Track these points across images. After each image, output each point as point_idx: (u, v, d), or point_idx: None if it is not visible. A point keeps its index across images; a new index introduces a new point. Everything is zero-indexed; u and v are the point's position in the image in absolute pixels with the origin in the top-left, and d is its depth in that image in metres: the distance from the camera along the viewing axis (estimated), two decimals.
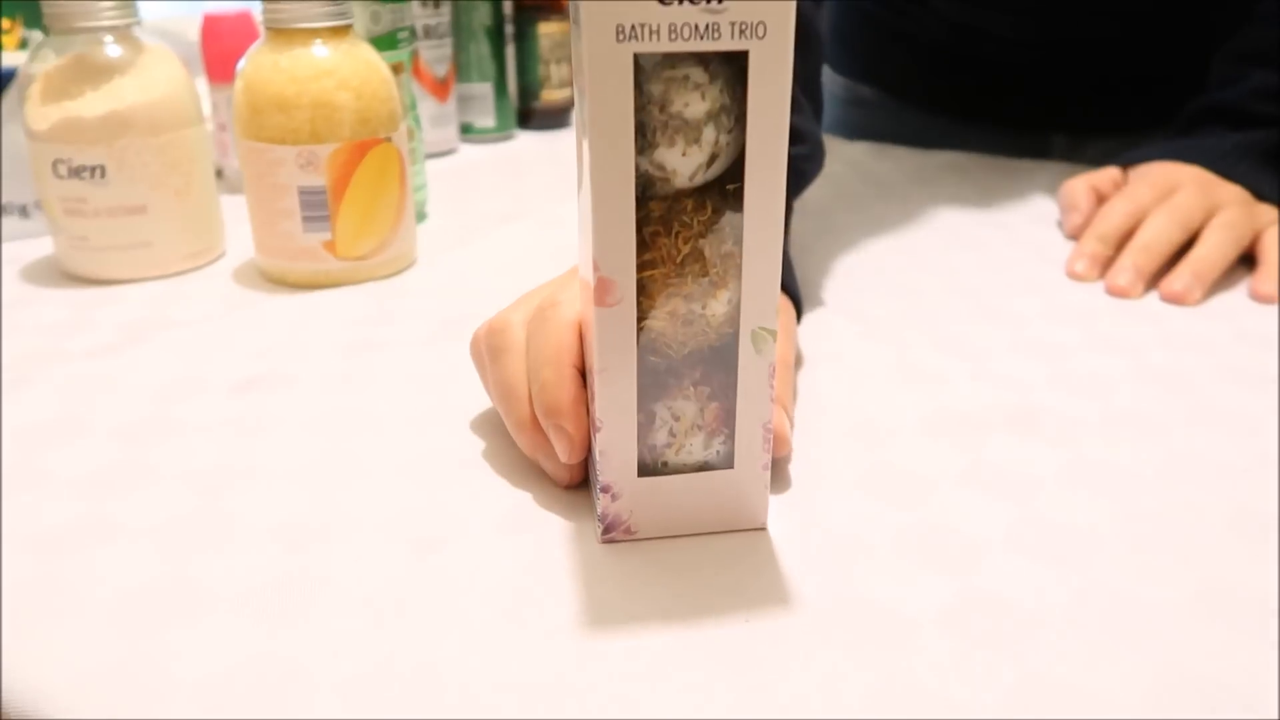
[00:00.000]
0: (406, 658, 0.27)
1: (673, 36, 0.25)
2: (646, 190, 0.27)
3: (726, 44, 0.25)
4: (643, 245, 0.28)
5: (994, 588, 0.29)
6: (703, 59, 0.26)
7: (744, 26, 0.25)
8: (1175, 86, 0.71)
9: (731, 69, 0.26)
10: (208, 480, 0.35)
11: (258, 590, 0.29)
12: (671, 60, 0.26)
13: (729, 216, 0.28)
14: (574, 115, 0.28)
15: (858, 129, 0.84)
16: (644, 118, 0.26)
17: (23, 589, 0.30)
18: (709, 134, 0.27)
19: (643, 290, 0.28)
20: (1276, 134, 0.56)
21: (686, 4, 0.25)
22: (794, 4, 0.26)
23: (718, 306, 0.29)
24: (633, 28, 0.25)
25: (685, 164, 0.27)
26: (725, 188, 0.27)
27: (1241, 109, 0.57)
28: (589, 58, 0.25)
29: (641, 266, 0.28)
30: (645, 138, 0.26)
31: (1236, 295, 0.51)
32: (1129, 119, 0.75)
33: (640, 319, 0.28)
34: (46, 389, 0.42)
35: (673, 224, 0.28)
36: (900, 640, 0.27)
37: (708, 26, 0.25)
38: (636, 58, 0.25)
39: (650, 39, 0.25)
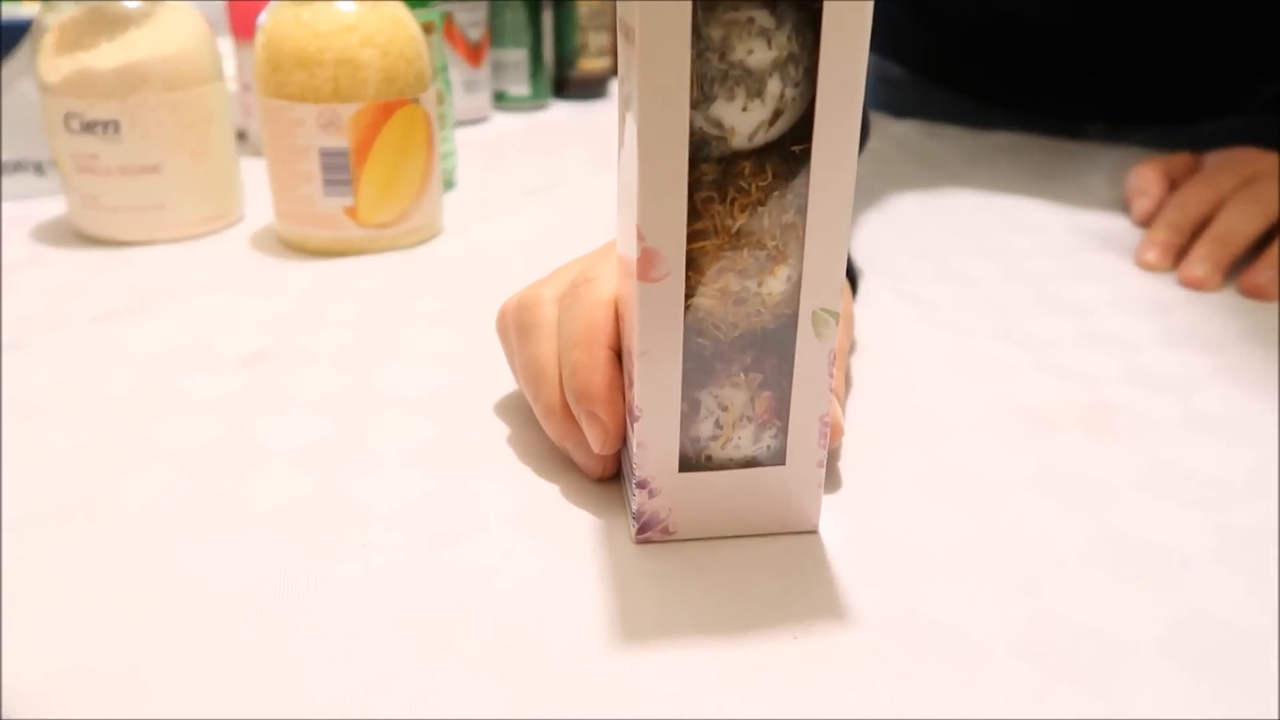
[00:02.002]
0: (412, 668, 0.24)
1: None
2: (699, 151, 0.24)
3: None
4: (693, 213, 0.24)
5: (1071, 610, 0.26)
6: (769, 1, 0.23)
7: None
8: (1218, 77, 0.67)
9: (802, 13, 0.23)
10: (206, 460, 0.32)
11: (252, 584, 0.27)
12: (735, 2, 0.23)
13: (792, 182, 0.24)
14: (619, 63, 0.24)
15: (886, 107, 0.81)
16: (701, 67, 0.23)
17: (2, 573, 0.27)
18: (773, 86, 0.23)
19: (691, 264, 0.25)
20: None
21: None
22: None
23: (775, 284, 0.25)
24: None
25: (745, 120, 0.24)
26: (789, 149, 0.24)
27: None
28: None
29: (691, 237, 0.25)
30: (701, 90, 0.23)
31: None
32: (1169, 109, 0.71)
33: (687, 296, 0.25)
34: (45, 355, 0.39)
35: (728, 189, 0.24)
36: (968, 668, 0.24)
37: None
38: None
39: None
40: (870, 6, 0.23)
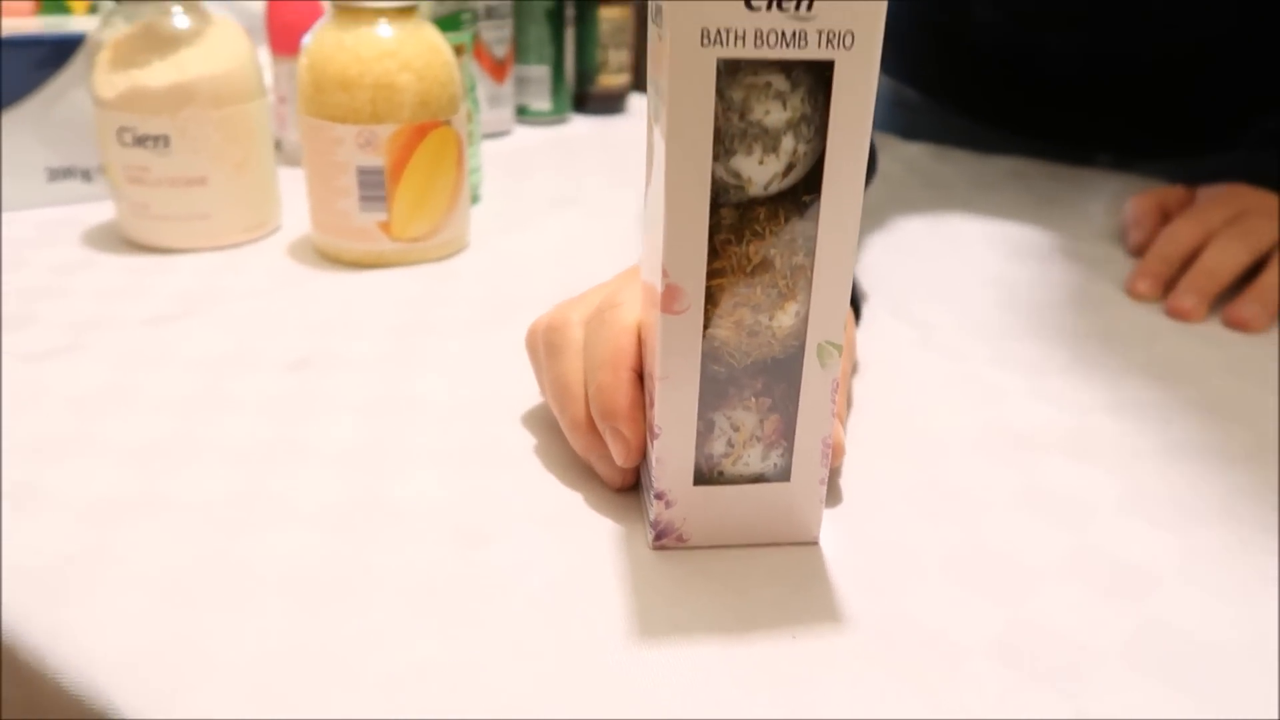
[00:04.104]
0: (449, 656, 0.27)
1: (758, 43, 0.25)
2: (719, 197, 0.27)
3: (813, 53, 0.25)
4: (713, 253, 0.27)
5: (1047, 619, 0.29)
6: (786, 66, 0.25)
7: (831, 35, 0.25)
8: (1228, 114, 0.69)
9: (814, 78, 0.26)
10: (258, 458, 0.35)
11: (300, 575, 0.30)
12: (754, 67, 0.25)
13: (802, 227, 0.27)
14: (648, 114, 0.27)
15: (901, 130, 0.83)
16: (723, 124, 0.26)
17: (74, 559, 0.30)
18: (788, 143, 0.26)
19: (710, 298, 0.28)
20: None
21: (774, 10, 0.24)
22: (883, 13, 0.25)
23: (785, 318, 0.28)
24: (718, 32, 0.24)
25: (761, 172, 0.26)
26: (801, 198, 0.27)
27: None
28: (672, 61, 0.25)
29: (710, 275, 0.27)
30: (723, 144, 0.26)
31: None
32: (1179, 144, 0.73)
33: (705, 327, 0.28)
34: (102, 355, 0.42)
35: (744, 232, 0.27)
36: (950, 669, 0.27)
37: (794, 34, 0.25)
38: (719, 63, 0.25)
39: (735, 44, 0.25)
40: (875, 74, 0.25)
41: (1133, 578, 0.31)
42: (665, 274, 0.27)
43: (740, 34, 0.25)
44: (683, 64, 0.25)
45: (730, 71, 0.25)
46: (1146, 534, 0.33)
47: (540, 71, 0.83)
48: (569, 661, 0.27)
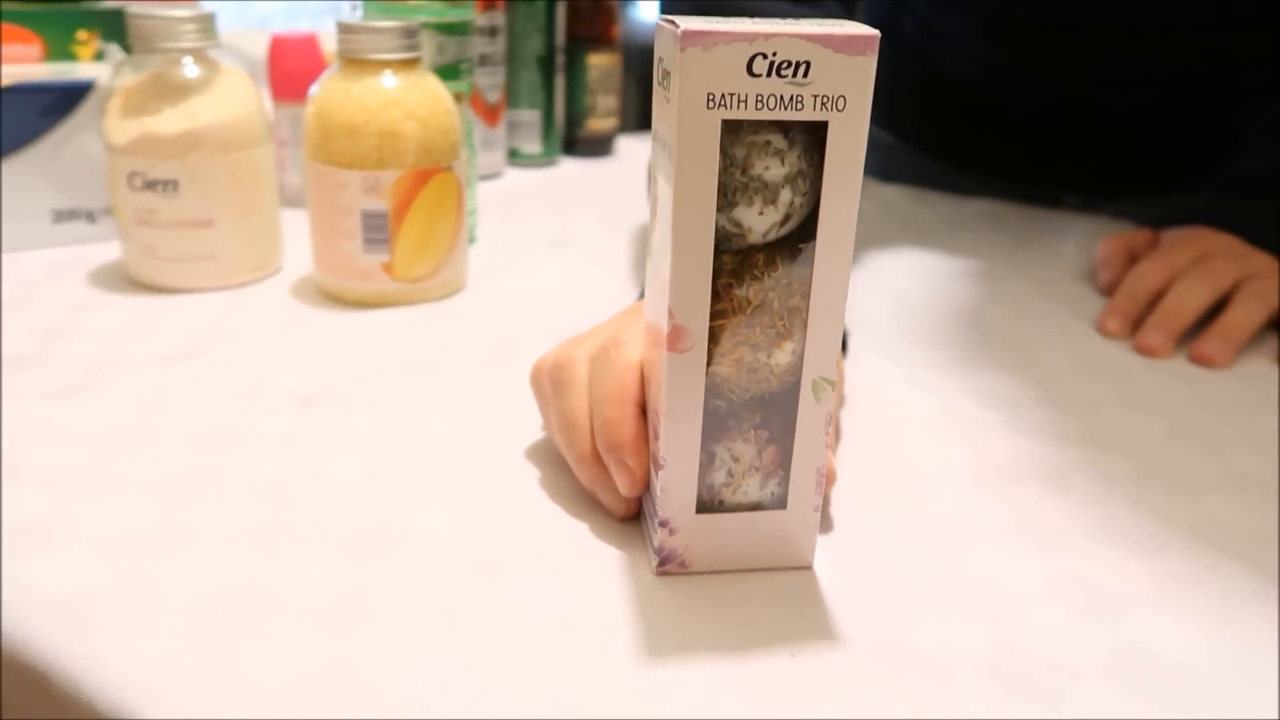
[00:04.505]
0: (465, 677, 0.28)
1: (759, 106, 0.27)
2: (721, 244, 0.29)
3: (809, 115, 0.27)
4: (715, 296, 0.29)
5: (1030, 640, 0.31)
6: (784, 126, 0.28)
7: (826, 99, 0.27)
8: (1189, 154, 0.73)
9: (810, 136, 0.28)
10: (276, 491, 0.37)
11: (322, 602, 0.31)
12: (755, 126, 0.28)
13: (798, 272, 0.29)
14: (650, 166, 0.29)
15: (873, 172, 0.86)
16: (725, 178, 0.28)
17: (105, 589, 0.31)
18: (785, 195, 0.28)
19: (712, 339, 0.30)
20: None
21: (774, 77, 0.27)
22: (872, 80, 0.27)
23: (782, 356, 0.30)
24: (723, 96, 0.27)
25: (761, 222, 0.29)
26: (797, 245, 0.29)
27: (1273, 181, 0.59)
28: (680, 121, 0.27)
29: (713, 316, 0.30)
30: (726, 197, 0.28)
31: (1263, 361, 0.52)
32: (1142, 183, 0.77)
33: (708, 364, 0.30)
34: (120, 392, 0.44)
35: (744, 277, 0.29)
36: (940, 684, 0.29)
37: (792, 98, 0.27)
38: (723, 123, 0.27)
39: (738, 107, 0.27)
40: (865, 132, 0.28)
41: (1108, 601, 0.33)
42: (671, 315, 0.29)
43: (742, 98, 0.27)
44: (690, 124, 0.27)
45: (733, 131, 0.28)
46: (1121, 560, 0.35)
47: (531, 116, 0.85)
48: (581, 680, 0.28)
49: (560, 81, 0.88)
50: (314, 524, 0.35)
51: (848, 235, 0.29)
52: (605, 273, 0.61)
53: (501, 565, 0.33)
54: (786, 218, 0.29)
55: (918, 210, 0.77)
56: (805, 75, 0.27)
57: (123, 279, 0.57)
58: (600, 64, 0.88)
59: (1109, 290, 0.60)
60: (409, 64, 0.53)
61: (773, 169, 0.28)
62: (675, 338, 0.29)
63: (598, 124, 0.90)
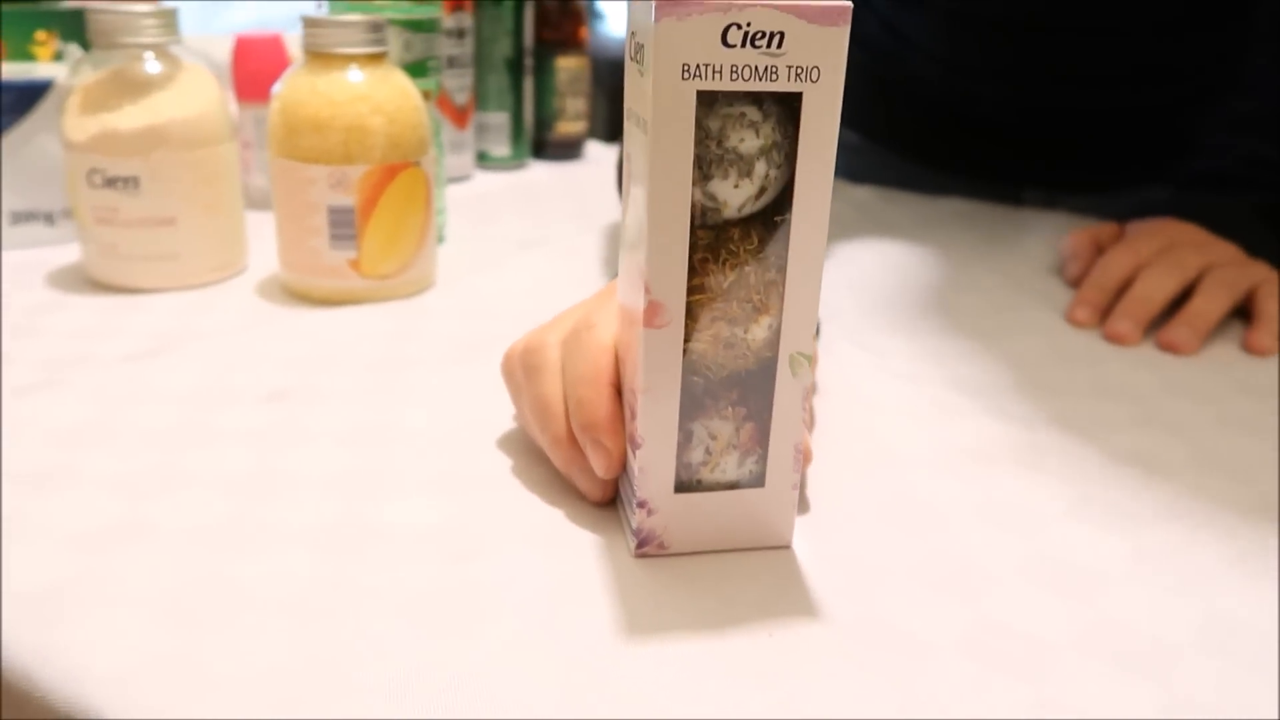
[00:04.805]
0: (440, 663, 0.28)
1: (734, 77, 0.27)
2: (697, 219, 0.29)
3: (783, 85, 0.27)
4: (691, 271, 0.29)
5: (1007, 617, 0.31)
6: (758, 98, 0.28)
7: (800, 70, 0.27)
8: (1146, 150, 0.74)
9: (784, 108, 0.28)
10: (242, 486, 0.36)
11: (293, 594, 0.30)
12: (730, 98, 0.27)
13: (773, 246, 0.29)
14: (624, 146, 0.29)
15: (841, 172, 0.87)
16: (701, 151, 0.28)
17: (66, 583, 0.30)
18: (760, 168, 0.28)
19: (689, 314, 0.30)
20: (1264, 196, 0.58)
21: (748, 47, 0.27)
22: (845, 50, 0.27)
23: (759, 331, 0.30)
24: (698, 67, 0.27)
25: (736, 195, 0.28)
26: (772, 219, 0.29)
27: (1232, 175, 0.60)
28: (655, 93, 0.27)
29: (689, 291, 0.29)
30: (701, 170, 0.28)
31: (1229, 347, 0.53)
32: (1101, 178, 0.78)
33: (685, 341, 0.30)
34: (83, 391, 0.43)
35: (720, 251, 0.29)
36: (919, 661, 0.29)
37: (766, 69, 0.27)
38: (698, 95, 0.27)
39: (713, 78, 0.27)
40: (839, 104, 0.28)
41: (1084, 577, 0.33)
42: (648, 290, 0.29)
43: (717, 69, 0.27)
44: (666, 95, 0.27)
45: (707, 103, 0.27)
46: (1095, 537, 0.35)
47: (500, 119, 0.85)
48: (558, 662, 0.28)
49: (529, 84, 0.88)
50: (283, 517, 0.34)
51: (823, 208, 0.29)
52: (578, 272, 0.61)
53: (476, 554, 0.33)
54: (761, 190, 0.29)
55: (888, 209, 0.77)
56: (779, 46, 0.27)
57: (83, 280, 0.56)
58: (569, 67, 0.88)
59: (1077, 282, 0.60)
60: (375, 59, 0.53)
61: (748, 141, 0.28)
62: (652, 313, 0.29)
63: (567, 127, 0.90)
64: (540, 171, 0.87)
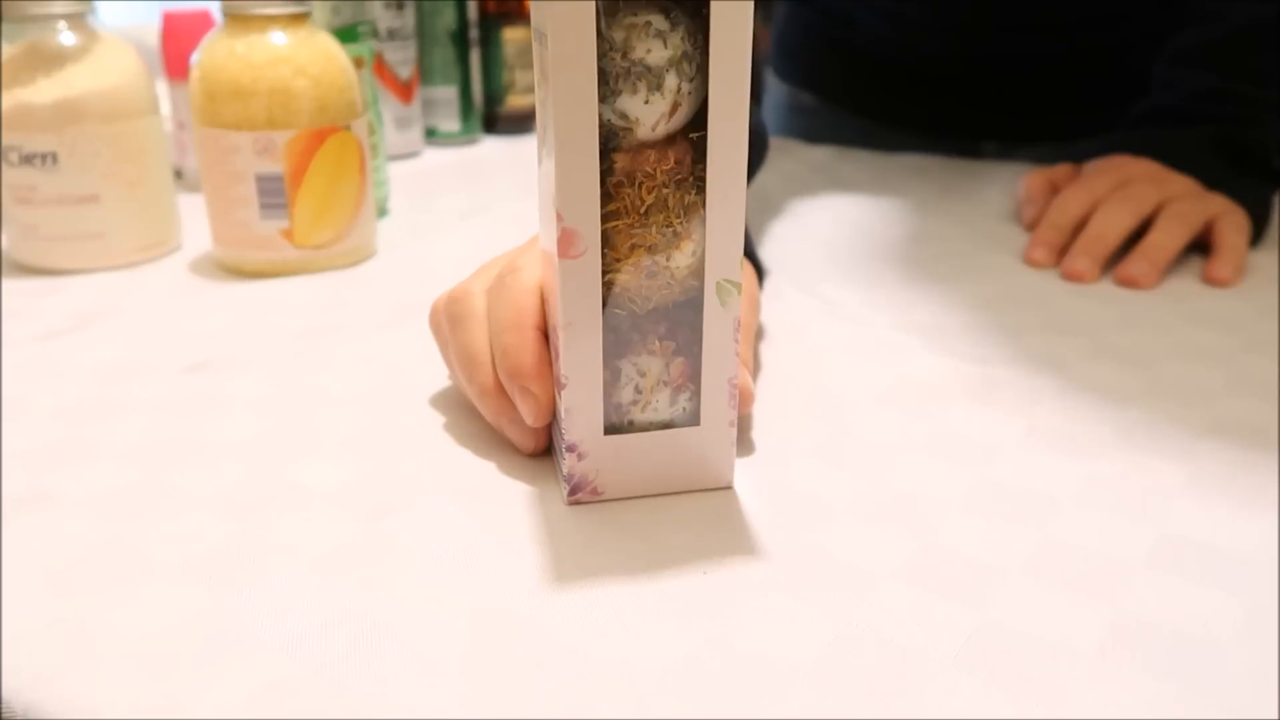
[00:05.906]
0: (353, 615, 0.26)
1: None
2: (609, 142, 0.27)
3: None
4: (606, 196, 0.27)
5: (952, 544, 0.29)
6: (664, 6, 0.26)
7: None
8: (1099, 97, 0.73)
9: (693, 18, 0.26)
10: (153, 455, 0.34)
11: (201, 556, 0.29)
12: (633, 7, 0.26)
13: (693, 167, 0.28)
14: (535, 67, 0.27)
15: (799, 134, 0.86)
16: (606, 64, 0.26)
17: None
18: (671, 81, 0.27)
19: (606, 242, 0.28)
20: (1218, 129, 0.57)
21: None
22: None
23: (682, 258, 0.28)
24: None
25: (648, 112, 0.27)
26: (688, 137, 0.27)
27: (1182, 110, 0.59)
28: (553, 3, 0.25)
29: (605, 218, 0.28)
30: (608, 85, 0.26)
31: (1188, 280, 0.52)
32: (1055, 129, 0.77)
33: (604, 273, 0.28)
34: None
35: (636, 174, 0.27)
36: (858, 591, 0.27)
37: None
38: (601, 4, 0.25)
39: None
40: (751, 10, 0.26)
41: (1035, 503, 0.32)
42: (560, 218, 0.27)
43: None
44: (564, 6, 0.25)
45: (610, 13, 0.26)
46: (1047, 465, 0.34)
47: (447, 93, 0.83)
48: (478, 612, 0.26)
49: (476, 57, 0.86)
50: (192, 483, 0.32)
51: (740, 124, 0.27)
52: (520, 239, 0.59)
53: (398, 508, 0.31)
54: (675, 107, 0.27)
55: (843, 167, 0.76)
56: None
57: (6, 265, 0.54)
58: (516, 39, 0.86)
59: (1034, 225, 0.59)
60: (297, 19, 0.51)
61: (655, 52, 0.26)
62: (566, 243, 0.28)
63: (519, 100, 0.88)
64: (492, 146, 0.85)
